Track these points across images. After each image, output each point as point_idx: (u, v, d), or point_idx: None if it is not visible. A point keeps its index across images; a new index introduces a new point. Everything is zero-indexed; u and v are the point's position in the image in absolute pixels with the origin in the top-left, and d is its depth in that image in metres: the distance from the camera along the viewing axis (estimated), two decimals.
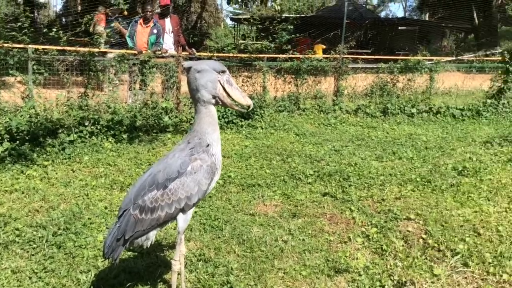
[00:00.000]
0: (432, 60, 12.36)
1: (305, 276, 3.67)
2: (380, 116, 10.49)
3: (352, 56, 11.73)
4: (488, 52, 14.59)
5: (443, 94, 12.95)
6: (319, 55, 12.57)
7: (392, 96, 11.08)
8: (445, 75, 13.09)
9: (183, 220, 2.93)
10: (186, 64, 2.91)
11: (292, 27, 10.81)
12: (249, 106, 2.95)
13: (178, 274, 3.08)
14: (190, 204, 2.88)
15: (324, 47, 19.13)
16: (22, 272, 3.54)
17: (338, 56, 10.94)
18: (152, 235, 2.98)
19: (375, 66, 12.04)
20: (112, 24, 10.84)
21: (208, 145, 2.87)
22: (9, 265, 3.62)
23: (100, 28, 11.06)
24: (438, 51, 24.64)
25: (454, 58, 14.91)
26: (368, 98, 11.38)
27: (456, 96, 12.77)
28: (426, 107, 10.71)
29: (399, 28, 22.67)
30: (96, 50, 8.21)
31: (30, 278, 3.47)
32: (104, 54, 9.10)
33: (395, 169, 6.41)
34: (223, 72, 2.85)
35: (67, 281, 3.43)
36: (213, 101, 2.86)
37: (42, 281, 3.43)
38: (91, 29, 11.15)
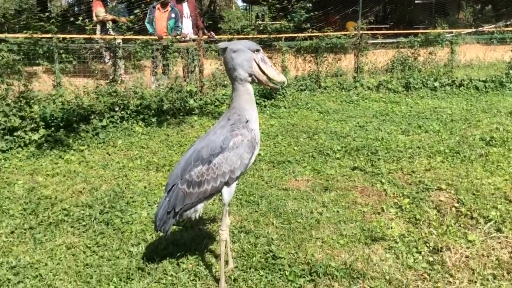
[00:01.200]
0: (451, 32, 12.22)
1: (343, 245, 3.81)
2: (403, 91, 10.49)
3: (371, 32, 11.65)
4: (508, 23, 14.30)
5: (465, 66, 12.85)
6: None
7: (413, 71, 11.03)
8: (465, 47, 12.95)
9: (227, 193, 3.09)
10: (222, 44, 3.03)
11: (310, 4, 10.79)
12: (283, 83, 3.08)
13: (225, 243, 3.25)
14: (234, 177, 3.03)
15: (354, 24, 19.00)
16: (76, 247, 3.77)
17: (357, 32, 10.91)
18: (200, 208, 3.15)
19: (395, 40, 11.97)
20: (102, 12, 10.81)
21: (247, 121, 3.00)
22: (62, 242, 3.86)
23: (101, 12, 10.99)
24: (456, 24, 24.19)
25: (474, 29, 14.69)
26: (389, 73, 11.37)
27: (478, 68, 12.67)
28: (449, 80, 10.66)
29: (416, 1, 22.27)
30: (121, 37, 8.35)
31: (84, 252, 3.69)
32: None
33: (422, 142, 6.48)
34: (258, 50, 2.97)
35: (120, 254, 3.64)
36: (250, 79, 2.99)
37: (96, 254, 3.65)
38: (94, 18, 11.11)
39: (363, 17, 11.70)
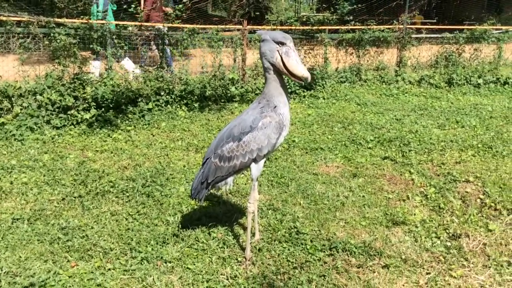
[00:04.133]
0: (500, 29, 11.96)
1: (364, 226, 4.03)
2: (445, 86, 10.45)
3: (416, 26, 11.60)
4: None
5: None
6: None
7: (457, 67, 10.93)
8: None
9: (255, 169, 3.35)
10: (258, 32, 3.28)
11: None
12: (306, 79, 3.10)
13: (252, 216, 3.54)
14: (261, 155, 3.28)
15: (423, 18, 18.96)
16: (119, 214, 4.17)
17: (402, 26, 10.90)
18: (230, 181, 3.44)
19: (439, 36, 11.85)
20: None
21: (275, 107, 3.20)
22: (107, 209, 4.27)
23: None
24: (510, 21, 23.32)
25: None
26: (433, 68, 11.30)
27: None
28: (493, 78, 10.51)
29: None
30: (170, 25, 8.76)
31: (126, 219, 4.08)
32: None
33: (456, 136, 6.54)
34: (282, 43, 3.07)
35: (158, 222, 4.01)
36: (272, 68, 3.14)
37: (137, 221, 4.03)
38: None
39: (408, 11, 11.64)
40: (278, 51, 3.07)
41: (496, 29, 11.47)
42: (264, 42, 3.12)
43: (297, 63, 3.07)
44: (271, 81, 3.19)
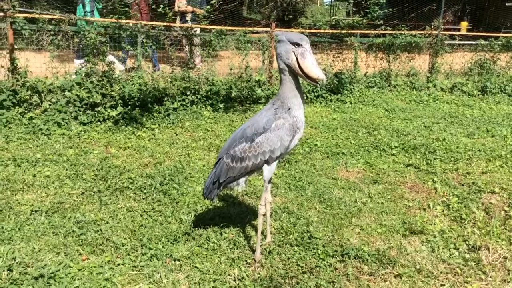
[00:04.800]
0: None
1: (380, 234, 3.93)
2: (478, 94, 10.17)
3: (449, 32, 11.33)
4: None
5: None
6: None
7: (492, 75, 10.61)
8: None
9: (268, 171, 3.31)
10: (275, 33, 3.26)
11: (384, 1, 10.68)
12: (322, 80, 3.06)
13: (264, 218, 3.50)
14: (274, 157, 3.24)
15: (467, 24, 18.58)
16: (135, 211, 4.21)
17: (435, 32, 10.66)
18: (242, 182, 3.42)
19: (473, 42, 11.54)
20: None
21: (289, 109, 3.15)
22: (124, 205, 4.31)
23: (182, 4, 11.43)
24: None
25: None
26: (466, 76, 11.01)
27: None
28: None
29: (507, 4, 20.85)
30: (199, 26, 8.83)
31: (141, 215, 4.12)
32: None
33: (485, 145, 6.33)
34: (298, 45, 3.01)
35: (172, 220, 4.03)
36: (287, 69, 3.10)
37: (152, 218, 4.06)
38: (176, 8, 11.32)
39: (440, 16, 11.37)
40: (293, 52, 3.03)
41: None
42: (280, 43, 3.09)
43: (313, 64, 3.02)
44: (286, 83, 3.15)
